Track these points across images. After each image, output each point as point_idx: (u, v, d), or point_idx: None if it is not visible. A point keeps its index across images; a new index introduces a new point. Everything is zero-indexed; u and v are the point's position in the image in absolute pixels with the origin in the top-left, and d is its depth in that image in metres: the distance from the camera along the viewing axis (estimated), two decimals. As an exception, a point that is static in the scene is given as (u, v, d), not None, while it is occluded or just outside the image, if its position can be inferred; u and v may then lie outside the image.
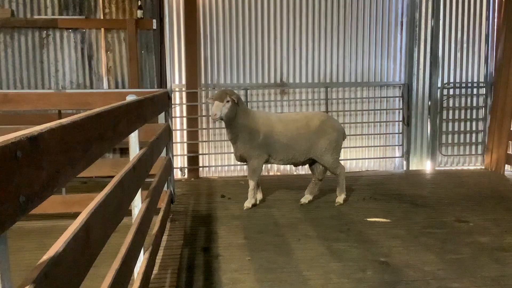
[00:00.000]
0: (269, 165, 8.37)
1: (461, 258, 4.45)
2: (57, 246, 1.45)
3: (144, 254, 3.42)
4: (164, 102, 4.93)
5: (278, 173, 8.44)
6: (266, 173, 8.37)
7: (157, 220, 4.19)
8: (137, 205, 3.32)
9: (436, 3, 8.32)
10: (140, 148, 3.41)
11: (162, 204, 4.74)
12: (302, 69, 8.35)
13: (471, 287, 3.83)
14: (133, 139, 3.23)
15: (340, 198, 6.32)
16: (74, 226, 1.63)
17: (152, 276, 3.75)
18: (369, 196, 6.70)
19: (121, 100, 3.16)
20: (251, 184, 6.14)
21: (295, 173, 8.41)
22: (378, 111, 8.57)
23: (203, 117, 8.17)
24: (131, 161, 2.85)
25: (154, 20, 7.28)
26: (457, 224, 5.46)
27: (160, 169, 4.47)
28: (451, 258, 4.43)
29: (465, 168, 8.77)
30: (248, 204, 6.13)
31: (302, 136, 6.06)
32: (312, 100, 8.40)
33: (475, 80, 8.62)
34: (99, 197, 1.97)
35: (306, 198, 6.40)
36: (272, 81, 8.29)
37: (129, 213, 3.29)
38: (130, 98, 3.26)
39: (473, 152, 8.83)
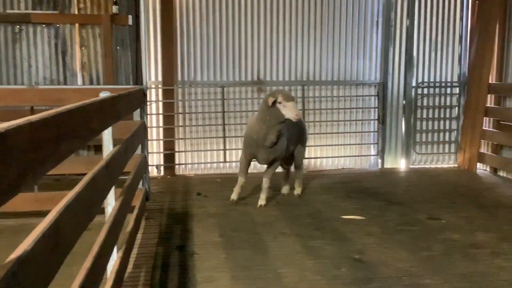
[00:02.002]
0: (245, 163, 8.35)
1: (433, 255, 4.52)
2: (26, 244, 1.42)
3: (117, 252, 3.39)
4: (139, 99, 4.88)
5: (255, 171, 8.42)
6: (243, 171, 8.36)
7: (131, 218, 4.15)
8: (111, 203, 3.28)
9: (411, 4, 8.42)
10: (115, 145, 3.38)
11: (136, 202, 4.69)
12: (279, 67, 8.36)
13: (443, 283, 3.89)
14: (107, 136, 3.19)
15: (300, 190, 6.65)
16: (44, 224, 1.61)
17: (126, 274, 3.71)
18: (345, 194, 6.75)
19: (95, 96, 3.12)
20: (268, 182, 6.17)
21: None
22: (354, 109, 8.64)
23: (179, 115, 8.11)
24: (104, 159, 2.82)
25: (130, 16, 7.19)
26: (430, 222, 5.55)
27: (135, 167, 4.42)
28: (424, 255, 4.50)
29: (438, 166, 8.90)
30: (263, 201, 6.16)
31: (295, 133, 6.23)
32: (289, 98, 8.41)
33: (449, 79, 8.76)
34: (70, 195, 1.95)
35: (286, 188, 6.74)
36: (249, 78, 8.29)
37: (102, 211, 3.26)
38: (103, 94, 3.21)
39: (447, 151, 8.97)
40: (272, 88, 8.33)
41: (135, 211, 4.41)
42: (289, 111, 5.45)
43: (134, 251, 4.40)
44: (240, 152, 8.27)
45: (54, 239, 1.64)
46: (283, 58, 8.34)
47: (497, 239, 4.94)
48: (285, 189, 6.73)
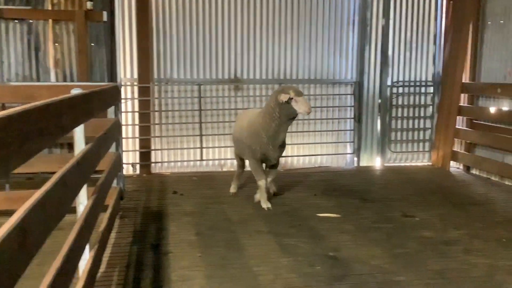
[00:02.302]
0: (222, 161, 8.35)
1: (406, 252, 4.57)
2: (-11, 245, 1.39)
3: (89, 251, 3.34)
4: (113, 96, 4.82)
5: (232, 169, 8.41)
6: (220, 169, 8.35)
7: (104, 217, 4.10)
8: (82, 201, 3.23)
9: (386, 3, 8.49)
10: (88, 143, 3.32)
11: (110, 201, 4.64)
12: (256, 65, 8.35)
13: (416, 280, 3.94)
14: (79, 134, 3.14)
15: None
16: (9, 223, 1.57)
17: (99, 274, 3.67)
18: (321, 192, 6.79)
19: (67, 93, 3.08)
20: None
21: (248, 169, 8.40)
22: (331, 108, 8.68)
23: (156, 113, 8.04)
24: (75, 157, 2.77)
25: (105, 12, 7.08)
26: (404, 219, 5.61)
27: (109, 165, 4.37)
28: (397, 252, 4.55)
29: (413, 164, 9.01)
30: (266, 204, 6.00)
31: None
32: (266, 96, 8.40)
33: (423, 79, 8.87)
34: (37, 194, 1.91)
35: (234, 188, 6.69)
36: (226, 76, 8.26)
37: (74, 210, 3.21)
38: (75, 91, 3.16)
39: (421, 149, 9.09)
40: (249, 86, 8.33)
41: (109, 210, 4.36)
42: (301, 106, 5.42)
43: (108, 250, 4.35)
44: (217, 150, 8.32)
45: (20, 238, 1.61)
46: (260, 57, 8.33)
47: (469, 236, 5.02)
48: (232, 188, 6.66)
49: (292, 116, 5.57)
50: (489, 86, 7.87)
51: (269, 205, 5.94)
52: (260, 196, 6.01)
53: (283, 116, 5.53)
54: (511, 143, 7.31)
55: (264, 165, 6.16)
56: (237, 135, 6.27)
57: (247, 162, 6.79)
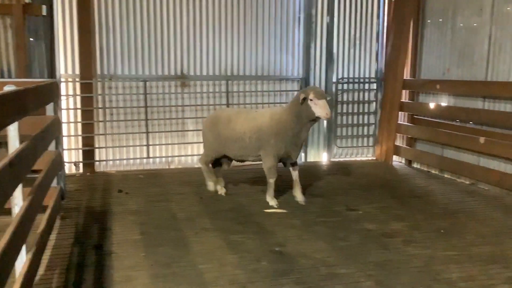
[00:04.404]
0: (169, 159, 8.26)
1: (349, 245, 4.68)
2: None
3: (27, 254, 3.22)
4: (51, 93, 4.65)
5: (180, 166, 8.33)
6: (167, 166, 8.25)
7: (43, 218, 3.96)
8: (18, 203, 3.11)
9: (331, 1, 8.63)
10: (23, 142, 3.20)
11: (50, 201, 4.49)
12: (203, 61, 8.29)
13: (357, 272, 4.03)
14: (12, 132, 3.02)
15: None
16: None
17: (37, 277, 3.55)
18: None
19: (1, 90, 2.94)
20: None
21: (196, 166, 8.34)
22: (278, 104, 8.74)
23: (99, 110, 7.84)
24: (7, 157, 2.66)
25: (44, 6, 6.82)
26: (348, 213, 5.74)
27: (48, 164, 4.22)
28: (341, 245, 4.65)
29: (358, 159, 9.23)
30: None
31: None
32: (213, 93, 8.39)
33: (367, 75, 9.08)
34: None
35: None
36: (172, 73, 8.16)
37: (9, 212, 3.09)
38: (8, 88, 3.03)
39: (365, 144, 9.32)
40: (196, 82, 8.27)
41: (48, 211, 4.21)
42: (319, 109, 5.39)
43: (47, 252, 4.22)
44: (164, 147, 8.20)
45: None
46: (206, 53, 8.28)
47: (409, 228, 5.19)
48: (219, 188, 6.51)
49: (311, 118, 5.53)
50: (429, 82, 8.15)
51: (276, 202, 5.94)
52: (268, 194, 6.00)
53: (304, 117, 5.54)
54: (450, 137, 7.61)
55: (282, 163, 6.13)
56: (238, 135, 5.95)
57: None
